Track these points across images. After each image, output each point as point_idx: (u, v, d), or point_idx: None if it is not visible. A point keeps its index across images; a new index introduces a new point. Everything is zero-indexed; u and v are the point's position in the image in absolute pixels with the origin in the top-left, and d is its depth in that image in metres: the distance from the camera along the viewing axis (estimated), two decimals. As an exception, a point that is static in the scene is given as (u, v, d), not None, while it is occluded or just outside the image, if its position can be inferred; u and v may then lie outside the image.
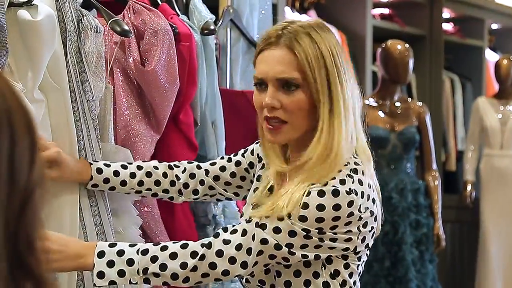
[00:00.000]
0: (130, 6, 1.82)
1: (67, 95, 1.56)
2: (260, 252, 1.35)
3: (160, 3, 1.96)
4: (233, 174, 1.60)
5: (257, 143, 1.59)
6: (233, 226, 1.39)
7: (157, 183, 1.61)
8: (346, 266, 1.39)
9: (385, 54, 3.37)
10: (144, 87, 1.79)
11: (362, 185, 1.37)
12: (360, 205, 1.35)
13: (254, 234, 1.35)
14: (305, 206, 1.33)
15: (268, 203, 1.38)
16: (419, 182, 3.41)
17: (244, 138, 1.86)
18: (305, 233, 1.34)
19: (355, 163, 1.40)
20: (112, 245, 1.39)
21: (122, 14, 1.82)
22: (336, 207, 1.33)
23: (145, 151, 1.79)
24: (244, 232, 1.36)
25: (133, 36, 1.77)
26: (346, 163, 1.38)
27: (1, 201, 0.73)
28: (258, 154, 1.57)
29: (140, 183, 1.59)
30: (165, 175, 1.62)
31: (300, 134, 1.42)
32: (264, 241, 1.35)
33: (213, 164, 1.63)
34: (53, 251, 1.36)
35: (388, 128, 3.37)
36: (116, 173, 1.58)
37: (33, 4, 1.47)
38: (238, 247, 1.35)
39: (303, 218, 1.33)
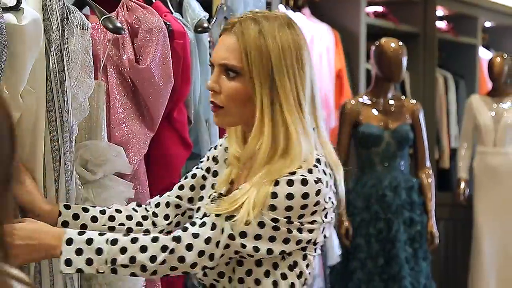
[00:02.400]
0: (124, 3, 1.82)
1: (42, 100, 1.53)
2: (227, 246, 1.37)
3: (154, 1, 1.96)
4: (192, 188, 1.59)
5: (211, 148, 1.60)
6: (201, 219, 1.40)
7: (129, 217, 1.58)
8: (304, 257, 1.42)
9: (379, 52, 3.38)
10: (138, 84, 1.79)
11: (325, 175, 1.40)
12: (325, 195, 1.38)
13: (223, 228, 1.37)
14: (274, 195, 1.35)
15: (229, 198, 1.39)
16: (413, 179, 3.41)
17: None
18: (274, 223, 1.35)
19: (317, 155, 1.42)
20: (81, 233, 1.39)
21: (115, 12, 1.81)
22: (305, 195, 1.35)
23: (139, 149, 1.79)
24: (213, 226, 1.37)
25: (127, 34, 1.76)
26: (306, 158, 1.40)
27: None
28: (213, 157, 1.57)
29: (112, 218, 1.56)
30: (135, 210, 1.60)
31: (242, 122, 1.45)
32: (231, 236, 1.36)
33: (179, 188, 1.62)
34: (22, 246, 1.36)
35: (381, 126, 3.37)
36: (86, 210, 1.55)
37: (20, 8, 1.46)
38: (207, 240, 1.37)
39: (272, 208, 1.35)
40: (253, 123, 1.41)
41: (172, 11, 2.03)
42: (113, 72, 1.79)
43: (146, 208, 1.60)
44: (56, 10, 1.55)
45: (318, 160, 1.41)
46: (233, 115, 1.44)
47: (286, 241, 1.37)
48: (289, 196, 1.35)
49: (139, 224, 1.58)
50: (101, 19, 1.71)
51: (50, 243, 1.38)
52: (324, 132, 1.47)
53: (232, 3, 2.41)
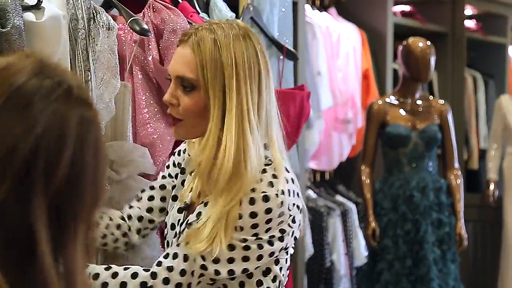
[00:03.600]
0: (150, 4, 1.82)
1: None
2: (201, 275, 1.38)
3: (180, 1, 1.96)
4: (163, 199, 1.58)
5: (173, 154, 1.59)
6: (173, 249, 1.40)
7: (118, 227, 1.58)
8: (276, 262, 1.42)
9: (406, 52, 3.34)
10: (163, 85, 1.80)
11: (287, 183, 1.38)
12: (288, 204, 1.37)
13: (195, 259, 1.37)
14: (239, 216, 1.35)
15: (198, 233, 1.37)
16: (441, 180, 3.38)
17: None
18: (244, 243, 1.35)
19: (273, 165, 1.39)
20: None
21: (142, 13, 1.82)
22: (268, 211, 1.35)
23: (164, 149, 1.80)
24: (186, 257, 1.38)
25: (152, 35, 1.77)
26: (263, 170, 1.38)
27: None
28: (178, 164, 1.56)
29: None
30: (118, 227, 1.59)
31: (201, 133, 1.41)
32: (204, 266, 1.37)
33: (139, 199, 1.61)
34: None
35: (409, 126, 3.34)
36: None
37: (41, 7, 1.47)
38: (182, 272, 1.37)
39: (240, 229, 1.35)
40: None
41: (199, 11, 2.03)
42: (139, 73, 1.80)
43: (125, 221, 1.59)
44: (82, 10, 1.57)
45: (277, 169, 1.38)
46: (192, 127, 1.42)
47: (259, 257, 1.37)
48: (253, 215, 1.35)
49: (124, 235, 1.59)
50: (128, 21, 1.72)
51: None
52: (282, 147, 1.44)
53: (258, 3, 2.40)
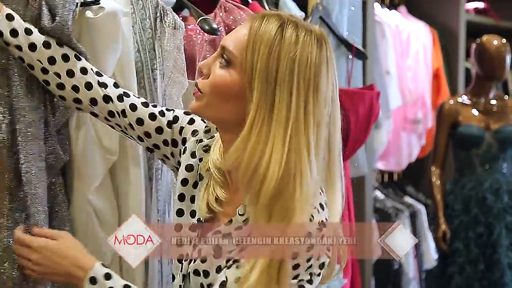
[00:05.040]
0: (221, 5, 1.84)
1: None
2: None
3: (250, 1, 1.98)
4: (148, 135, 1.40)
5: (189, 122, 1.39)
6: None
7: (70, 73, 1.40)
8: None
9: (480, 50, 3.26)
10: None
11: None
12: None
13: None
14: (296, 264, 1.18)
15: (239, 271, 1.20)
16: (516, 182, 3.28)
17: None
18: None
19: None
20: (107, 277, 1.30)
21: (213, 13, 1.84)
22: (309, 248, 1.19)
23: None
24: None
25: (224, 34, 1.78)
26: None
27: None
28: (184, 139, 1.38)
29: (52, 60, 1.40)
30: (84, 71, 1.41)
31: (219, 121, 1.26)
32: None
33: (133, 108, 1.41)
34: (45, 265, 1.32)
35: (482, 127, 3.26)
36: (29, 32, 1.39)
37: (100, 3, 1.48)
38: None
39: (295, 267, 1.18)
40: (235, 130, 1.21)
41: (268, 11, 2.03)
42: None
43: (104, 83, 1.42)
44: (150, 9, 1.59)
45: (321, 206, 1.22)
46: (212, 108, 1.23)
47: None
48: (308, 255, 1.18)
49: (75, 88, 1.41)
50: (198, 20, 1.74)
51: (74, 274, 1.31)
52: (340, 183, 1.25)
53: (327, 3, 2.39)
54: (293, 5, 2.15)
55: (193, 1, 1.82)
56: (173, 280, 1.34)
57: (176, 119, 1.40)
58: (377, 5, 3.25)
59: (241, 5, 1.86)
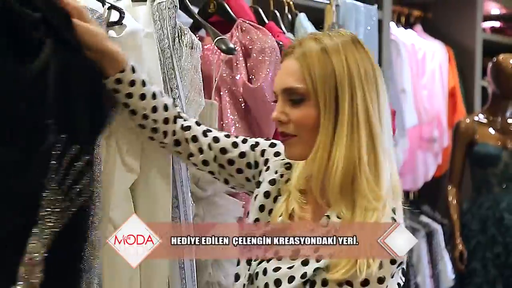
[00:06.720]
0: (238, 25, 1.85)
1: None
2: None
3: (267, 21, 1.99)
4: (231, 162, 1.48)
5: (271, 145, 1.46)
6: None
7: (166, 121, 1.50)
8: None
9: (497, 69, 3.25)
10: (250, 104, 1.81)
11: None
12: None
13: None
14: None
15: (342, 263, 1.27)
16: (534, 202, 3.25)
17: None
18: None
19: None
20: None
21: (230, 33, 1.85)
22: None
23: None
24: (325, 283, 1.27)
25: (240, 54, 1.80)
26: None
27: None
28: (267, 160, 1.45)
29: (154, 109, 1.48)
30: (175, 120, 1.51)
31: (311, 148, 1.31)
32: None
33: (216, 140, 1.50)
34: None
35: (499, 146, 3.24)
36: (144, 83, 1.48)
37: (122, 23, 1.51)
38: None
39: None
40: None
41: (285, 31, 2.05)
42: (226, 92, 1.82)
43: (188, 126, 1.51)
44: (167, 29, 1.60)
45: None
46: (307, 144, 1.31)
47: None
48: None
49: (164, 133, 1.51)
50: (215, 40, 1.76)
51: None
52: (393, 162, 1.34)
53: (343, 22, 2.40)
54: (309, 24, 2.16)
55: (211, 21, 1.84)
56: (236, 280, 1.37)
57: (257, 143, 1.48)
58: (392, 24, 3.26)
59: (258, 25, 1.87)
